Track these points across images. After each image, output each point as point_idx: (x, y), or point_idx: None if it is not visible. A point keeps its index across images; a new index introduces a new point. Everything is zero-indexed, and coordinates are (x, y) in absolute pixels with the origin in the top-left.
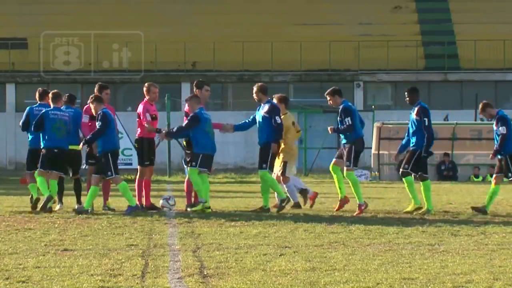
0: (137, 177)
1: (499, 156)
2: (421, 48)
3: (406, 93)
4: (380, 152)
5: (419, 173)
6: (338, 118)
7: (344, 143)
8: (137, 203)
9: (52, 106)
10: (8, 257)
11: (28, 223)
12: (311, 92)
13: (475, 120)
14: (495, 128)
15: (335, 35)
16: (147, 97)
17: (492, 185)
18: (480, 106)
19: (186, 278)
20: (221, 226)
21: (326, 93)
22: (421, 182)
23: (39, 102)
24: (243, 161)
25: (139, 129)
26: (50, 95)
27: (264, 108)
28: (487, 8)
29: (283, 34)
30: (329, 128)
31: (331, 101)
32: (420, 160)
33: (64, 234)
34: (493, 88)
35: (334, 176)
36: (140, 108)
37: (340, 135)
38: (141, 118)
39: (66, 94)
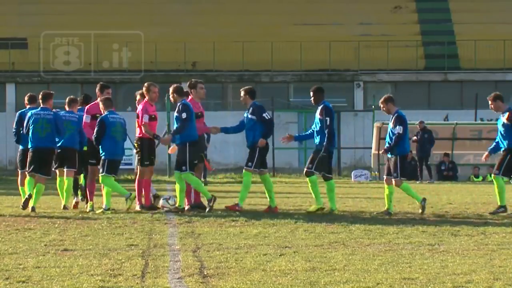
0: (137, 177)
1: (389, 155)
2: (421, 48)
3: (311, 92)
4: (380, 152)
5: (322, 173)
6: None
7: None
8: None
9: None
10: (8, 257)
11: (28, 223)
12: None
13: (475, 120)
14: (391, 126)
15: (335, 35)
16: (146, 97)
17: (386, 186)
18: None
19: (186, 278)
20: (221, 226)
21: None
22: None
23: (28, 106)
24: (243, 161)
25: (138, 129)
26: (40, 96)
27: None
28: (487, 8)
29: (283, 34)
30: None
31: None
32: (324, 159)
33: (64, 234)
34: (493, 88)
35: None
36: (139, 108)
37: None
38: (140, 118)
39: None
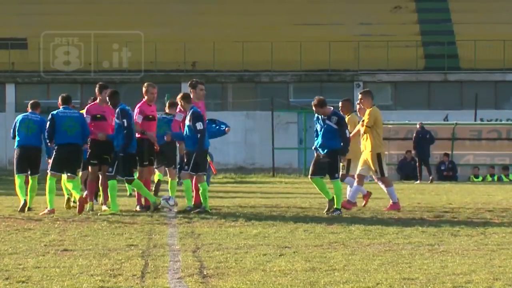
0: (137, 177)
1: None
2: (421, 48)
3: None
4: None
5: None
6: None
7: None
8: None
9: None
10: (8, 257)
11: (28, 223)
12: (311, 92)
13: (475, 120)
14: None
15: (335, 35)
16: (145, 98)
17: None
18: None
19: (186, 278)
20: (221, 226)
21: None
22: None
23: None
24: (242, 161)
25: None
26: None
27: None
28: (487, 8)
29: (283, 34)
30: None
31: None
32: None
33: (64, 234)
34: (493, 88)
35: None
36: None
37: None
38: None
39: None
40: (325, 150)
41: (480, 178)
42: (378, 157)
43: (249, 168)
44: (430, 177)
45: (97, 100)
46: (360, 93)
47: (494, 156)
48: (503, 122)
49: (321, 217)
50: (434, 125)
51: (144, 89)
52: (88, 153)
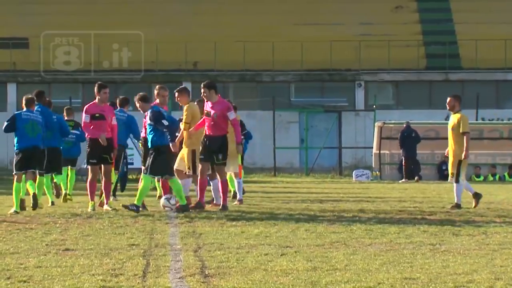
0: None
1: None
2: (422, 48)
3: None
4: (381, 151)
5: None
6: None
7: None
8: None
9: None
10: (10, 256)
11: (29, 223)
12: (312, 91)
13: (476, 119)
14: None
15: (336, 35)
16: (156, 100)
17: None
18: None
19: (188, 277)
20: (223, 226)
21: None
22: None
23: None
24: (244, 161)
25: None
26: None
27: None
28: (488, 8)
29: (284, 34)
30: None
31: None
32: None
33: (65, 234)
34: (494, 88)
35: None
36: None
37: None
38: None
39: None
40: None
41: (482, 178)
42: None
43: (250, 167)
44: (416, 177)
45: (96, 100)
46: (176, 91)
47: (495, 156)
48: (504, 121)
49: (322, 217)
50: (436, 125)
51: (155, 92)
52: (87, 153)
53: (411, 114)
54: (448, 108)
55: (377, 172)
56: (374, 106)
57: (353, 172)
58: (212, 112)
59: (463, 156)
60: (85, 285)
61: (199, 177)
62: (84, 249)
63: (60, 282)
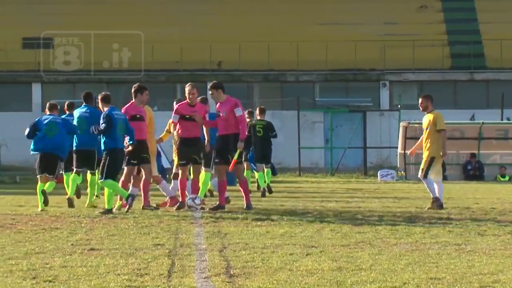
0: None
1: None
2: (447, 48)
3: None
4: (406, 151)
5: None
6: None
7: None
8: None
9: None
10: (35, 256)
11: (54, 223)
12: (337, 91)
13: (502, 119)
14: None
15: (361, 35)
16: (187, 100)
17: None
18: None
19: (213, 277)
20: (247, 226)
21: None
22: None
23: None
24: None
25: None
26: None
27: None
28: None
29: (308, 33)
30: None
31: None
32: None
33: (90, 234)
34: None
35: None
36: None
37: None
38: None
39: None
40: None
41: (507, 178)
42: None
43: (275, 167)
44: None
45: (134, 101)
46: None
47: None
48: None
49: (347, 217)
50: (461, 125)
51: (186, 90)
52: (127, 153)
53: None
54: (421, 109)
55: (402, 172)
56: (399, 106)
57: (378, 172)
58: (222, 111)
59: (441, 154)
60: (111, 284)
61: (217, 179)
62: (109, 248)
63: (85, 282)
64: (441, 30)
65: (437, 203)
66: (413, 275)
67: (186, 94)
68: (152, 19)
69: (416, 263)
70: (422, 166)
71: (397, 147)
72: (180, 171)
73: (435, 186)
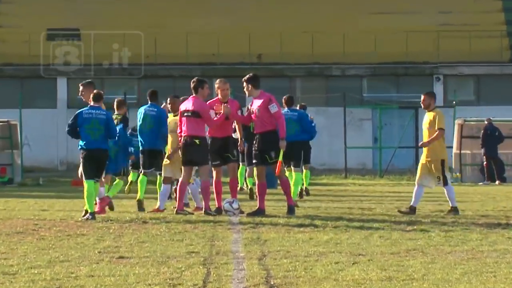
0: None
1: None
2: (505, 39)
3: None
4: (462, 151)
5: None
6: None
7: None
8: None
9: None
10: (60, 264)
11: (80, 229)
12: (386, 86)
13: None
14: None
15: (413, 25)
16: (219, 96)
17: None
18: None
19: None
20: (289, 232)
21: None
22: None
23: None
24: (312, 161)
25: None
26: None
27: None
28: None
29: (355, 24)
30: None
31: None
32: None
33: (119, 241)
34: None
35: None
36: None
37: None
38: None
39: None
40: None
41: None
42: None
43: (319, 169)
44: (497, 181)
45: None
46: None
47: None
48: None
49: (397, 222)
50: None
51: (216, 86)
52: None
53: (493, 110)
54: (423, 107)
55: (458, 174)
56: (454, 102)
57: None
58: (255, 107)
59: (420, 144)
60: None
61: (257, 181)
62: (139, 257)
63: None
64: (500, 19)
65: (455, 212)
66: (470, 286)
67: (217, 91)
68: (187, 10)
69: (473, 273)
70: (436, 174)
71: (451, 147)
72: (214, 172)
73: (417, 190)
